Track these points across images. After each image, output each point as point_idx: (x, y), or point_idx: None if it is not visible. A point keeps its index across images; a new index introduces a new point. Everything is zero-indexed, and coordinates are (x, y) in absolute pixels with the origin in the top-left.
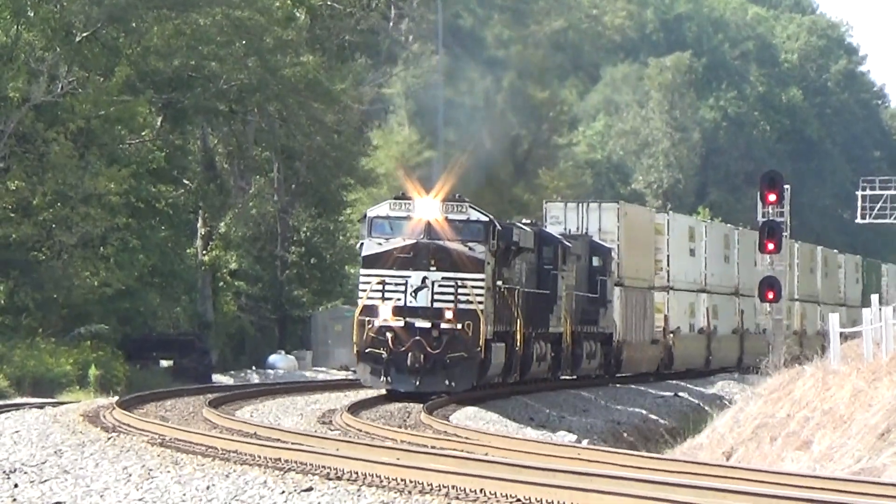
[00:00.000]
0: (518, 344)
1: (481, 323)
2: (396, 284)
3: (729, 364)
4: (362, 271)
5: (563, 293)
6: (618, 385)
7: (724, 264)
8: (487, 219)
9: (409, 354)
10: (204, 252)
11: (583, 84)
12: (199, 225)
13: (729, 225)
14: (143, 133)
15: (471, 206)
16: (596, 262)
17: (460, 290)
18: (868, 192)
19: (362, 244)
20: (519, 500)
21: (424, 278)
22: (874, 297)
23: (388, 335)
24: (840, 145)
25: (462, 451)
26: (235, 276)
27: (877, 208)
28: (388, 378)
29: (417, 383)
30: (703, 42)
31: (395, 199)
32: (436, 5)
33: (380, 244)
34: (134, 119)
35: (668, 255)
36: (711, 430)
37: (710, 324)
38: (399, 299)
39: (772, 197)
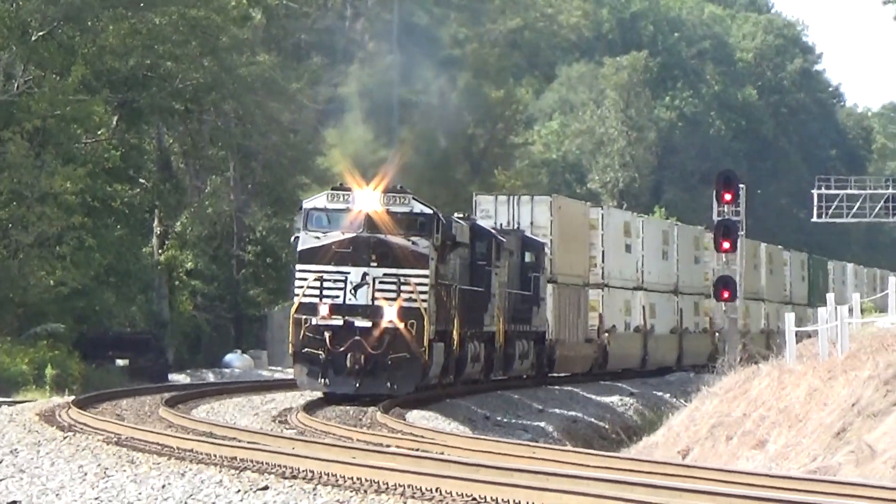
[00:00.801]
0: (455, 344)
1: (425, 322)
2: (335, 281)
3: (668, 364)
4: (298, 267)
5: (497, 290)
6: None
7: (663, 261)
8: (431, 211)
9: (349, 355)
10: (160, 251)
11: (538, 83)
12: (154, 224)
13: (668, 220)
14: (98, 132)
15: (414, 198)
16: (528, 257)
17: (403, 288)
18: (824, 191)
19: (298, 238)
20: (475, 499)
21: (365, 274)
22: (830, 296)
23: (326, 335)
24: (796, 144)
25: (418, 450)
26: (191, 276)
27: (833, 207)
28: (326, 380)
29: (357, 385)
30: (658, 41)
31: (334, 189)
32: (391, 4)
33: (317, 238)
34: (90, 118)
35: (602, 251)
36: (667, 429)
37: (646, 322)
38: (338, 297)
39: (727, 196)
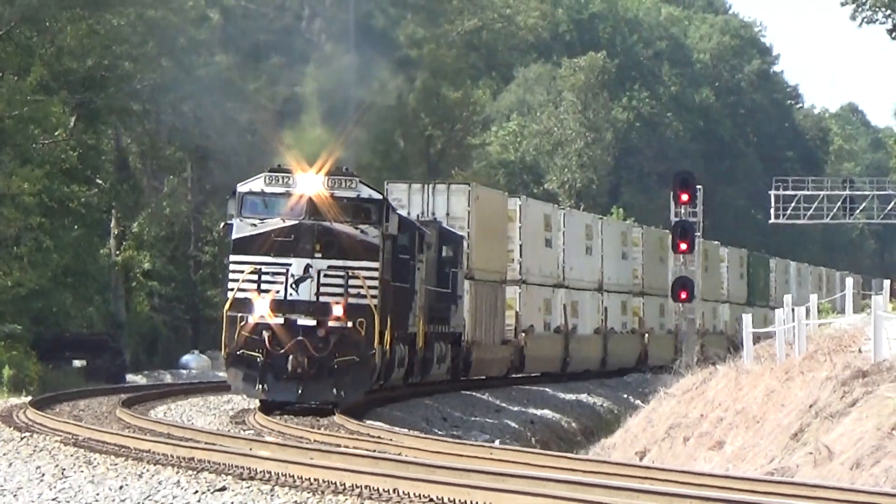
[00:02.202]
0: (386, 346)
1: (376, 320)
2: (274, 274)
3: (591, 367)
4: (232, 258)
5: (419, 287)
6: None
7: (586, 257)
8: (380, 197)
9: (290, 358)
10: (117, 252)
11: (496, 84)
12: (112, 225)
13: (592, 214)
14: (56, 133)
15: (361, 182)
16: (446, 252)
17: (351, 282)
18: (781, 192)
19: (231, 225)
20: (432, 499)
21: (308, 267)
22: (787, 297)
23: (265, 335)
24: (753, 145)
25: (375, 451)
26: (148, 276)
27: (790, 209)
28: (264, 386)
29: (299, 392)
30: (616, 42)
31: (272, 171)
32: (348, 5)
33: (254, 225)
34: (47, 119)
35: (520, 245)
36: (624, 431)
37: (568, 323)
38: (278, 292)
39: (684, 197)
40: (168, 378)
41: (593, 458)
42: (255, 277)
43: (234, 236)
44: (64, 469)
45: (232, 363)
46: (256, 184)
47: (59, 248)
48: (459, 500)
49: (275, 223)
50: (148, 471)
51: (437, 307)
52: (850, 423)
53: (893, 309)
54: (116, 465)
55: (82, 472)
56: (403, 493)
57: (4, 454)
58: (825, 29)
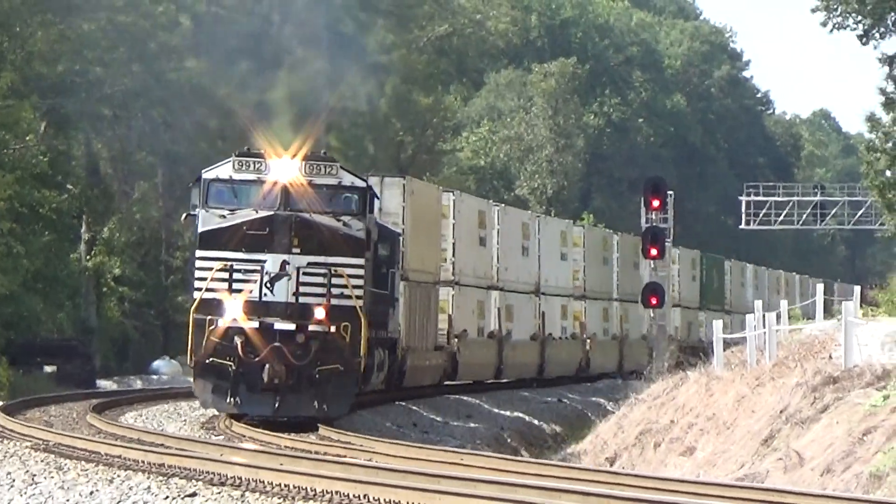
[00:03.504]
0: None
1: (362, 324)
2: (247, 272)
3: (527, 375)
4: (199, 253)
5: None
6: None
7: (522, 257)
8: (364, 184)
9: (266, 367)
10: (87, 257)
11: (467, 90)
12: (82, 230)
13: (529, 212)
14: (27, 138)
15: (342, 168)
16: (383, 250)
17: (335, 281)
18: (752, 198)
19: (195, 216)
20: None
21: (284, 263)
22: (758, 303)
23: (237, 341)
24: (724, 151)
25: (346, 456)
26: (119, 282)
27: (761, 215)
28: (237, 399)
29: (276, 405)
30: (587, 48)
31: (241, 156)
32: (319, 10)
33: (222, 217)
34: (18, 124)
35: (453, 244)
36: (595, 436)
37: (502, 327)
38: (251, 292)
39: (655, 203)
40: (139, 384)
41: (563, 463)
42: (226, 276)
43: (201, 229)
44: (34, 475)
45: (199, 373)
46: (224, 170)
47: (29, 253)
48: None
49: (246, 214)
50: (119, 476)
51: (375, 310)
52: (821, 429)
53: (864, 315)
54: (87, 470)
55: (52, 477)
56: (374, 498)
57: None
58: (796, 35)
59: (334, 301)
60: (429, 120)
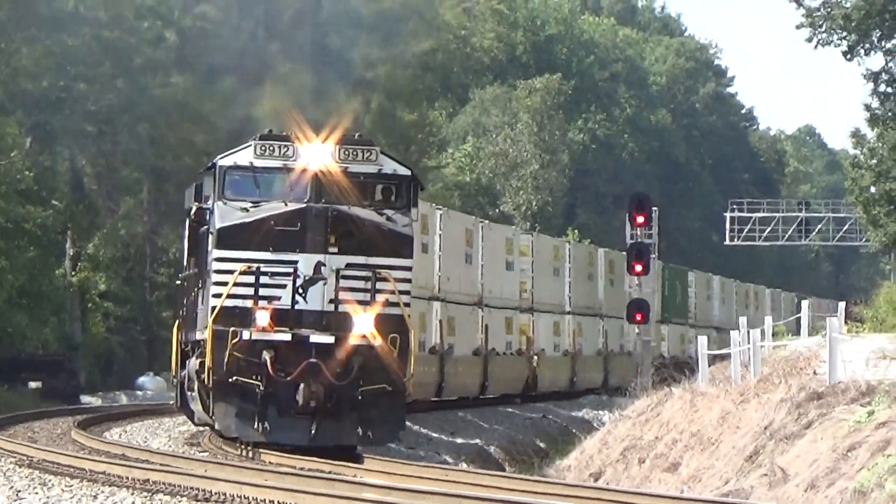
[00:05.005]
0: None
1: (411, 336)
2: (275, 275)
3: (469, 394)
4: (217, 253)
5: None
6: None
7: (465, 266)
8: (409, 172)
9: (301, 387)
10: (72, 273)
11: (451, 106)
12: (67, 246)
13: (472, 217)
14: (11, 154)
15: (383, 153)
16: None
17: (380, 285)
18: (737, 214)
19: (207, 210)
20: None
21: (320, 265)
22: (742, 319)
23: (266, 356)
24: (708, 167)
25: (330, 472)
26: (104, 298)
27: (745, 230)
28: (265, 424)
29: (313, 432)
30: (572, 64)
31: (263, 139)
32: (304, 26)
33: (245, 210)
34: (3, 139)
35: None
36: (580, 452)
37: (444, 341)
38: (280, 298)
39: (640, 219)
40: (123, 399)
41: (548, 479)
42: (251, 279)
43: (217, 225)
44: (19, 491)
45: (220, 394)
46: (243, 155)
47: (14, 268)
48: None
49: (273, 207)
50: (103, 492)
51: None
52: (806, 444)
53: (848, 331)
54: (72, 486)
55: (37, 493)
56: None
57: None
58: (780, 51)
59: (380, 309)
60: (413, 136)
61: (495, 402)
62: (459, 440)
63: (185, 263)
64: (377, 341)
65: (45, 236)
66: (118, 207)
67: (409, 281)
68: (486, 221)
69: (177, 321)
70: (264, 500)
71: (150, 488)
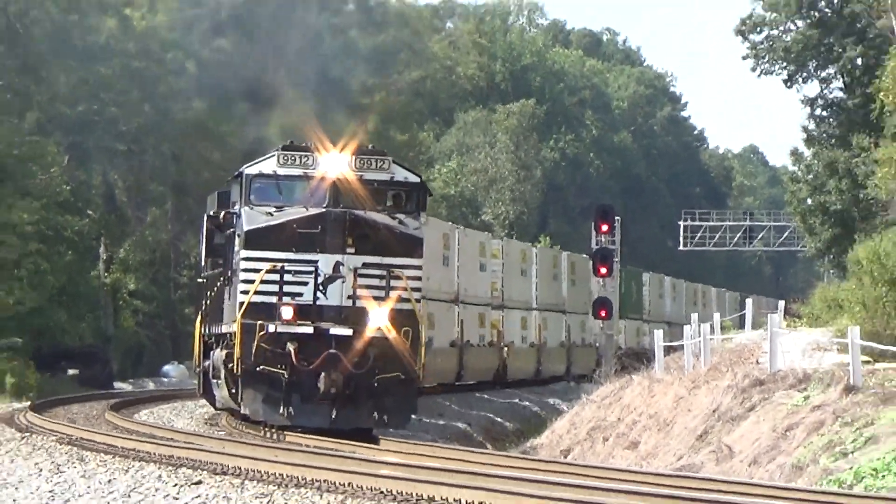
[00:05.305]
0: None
1: (422, 329)
2: (298, 273)
3: (446, 380)
4: (244, 253)
5: None
6: None
7: (443, 268)
8: (419, 180)
9: (322, 376)
10: (105, 274)
11: (439, 127)
12: (101, 251)
13: (450, 224)
14: (51, 170)
15: (395, 162)
16: None
17: (393, 283)
18: (689, 223)
19: (235, 214)
20: (381, 491)
21: (338, 264)
22: (694, 315)
23: (290, 347)
24: (664, 182)
25: (334, 450)
26: (133, 296)
27: (697, 237)
28: (290, 409)
29: (333, 417)
30: (545, 91)
31: (286, 149)
32: (308, 56)
33: (269, 214)
34: (44, 157)
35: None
36: (551, 432)
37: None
38: (301, 295)
39: (604, 227)
40: (151, 385)
41: (523, 455)
42: (276, 277)
43: (246, 227)
44: (59, 465)
45: (248, 382)
46: (267, 164)
47: (54, 271)
48: (406, 492)
49: (295, 212)
50: (133, 466)
51: None
52: (749, 425)
53: (787, 325)
54: (105, 461)
55: (75, 467)
56: (357, 486)
57: (7, 452)
58: (728, 79)
59: (393, 304)
60: (405, 154)
61: (470, 388)
62: (442, 422)
63: (202, 264)
64: (391, 334)
65: (82, 242)
66: (145, 217)
67: (419, 279)
68: (462, 227)
69: (198, 316)
70: (274, 473)
71: (175, 463)
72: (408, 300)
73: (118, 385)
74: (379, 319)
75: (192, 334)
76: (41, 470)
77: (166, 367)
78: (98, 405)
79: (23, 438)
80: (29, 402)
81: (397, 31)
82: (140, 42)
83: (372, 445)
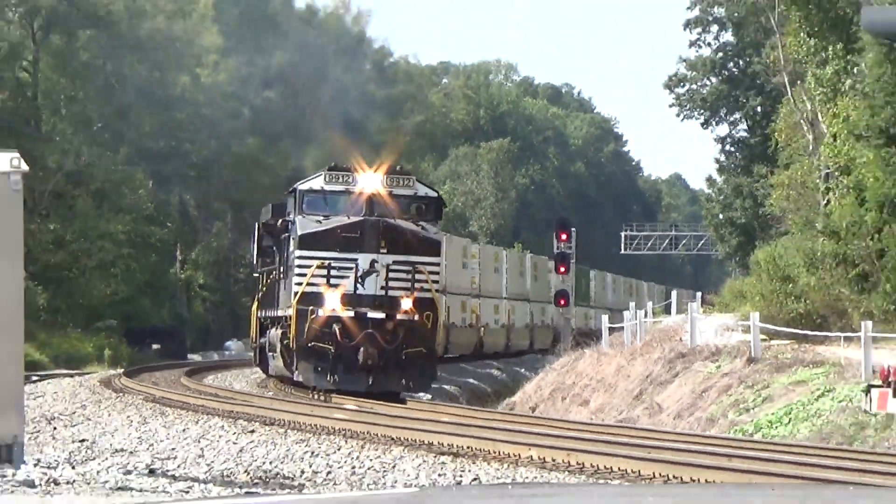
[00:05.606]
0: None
1: (440, 313)
2: (341, 268)
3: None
4: (298, 253)
5: None
6: None
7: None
8: (437, 194)
9: (361, 350)
10: (181, 272)
11: (436, 159)
12: (177, 254)
13: (443, 232)
14: (139, 191)
15: (418, 180)
16: None
17: (417, 276)
18: (628, 232)
19: (290, 221)
20: (392, 438)
21: (373, 262)
22: (631, 303)
23: (336, 328)
24: (609, 201)
25: (357, 407)
26: (202, 288)
27: (634, 244)
28: (335, 377)
29: (370, 383)
30: (518, 131)
31: (331, 170)
32: (336, 103)
33: (318, 222)
34: (133, 182)
35: None
36: (522, 393)
37: None
38: (346, 286)
39: (563, 236)
40: (216, 357)
41: (504, 412)
42: (324, 272)
43: (300, 232)
44: (145, 417)
45: (302, 355)
46: (316, 182)
47: (141, 269)
48: (412, 439)
49: (339, 220)
50: (202, 419)
51: None
52: (674, 388)
53: (703, 311)
54: (181, 415)
55: (157, 419)
56: (373, 433)
57: (105, 408)
58: (658, 121)
59: (417, 294)
60: None
61: (455, 360)
62: (436, 385)
63: (254, 262)
64: (416, 317)
65: (162, 247)
66: (211, 228)
67: (437, 273)
68: (448, 234)
69: (254, 303)
70: (310, 424)
71: (234, 416)
72: (428, 290)
73: (191, 356)
74: (406, 306)
75: (247, 317)
76: (132, 421)
77: (228, 343)
78: (175, 372)
79: (117, 397)
80: (122, 370)
81: (405, 85)
82: (207, 93)
83: (399, 405)
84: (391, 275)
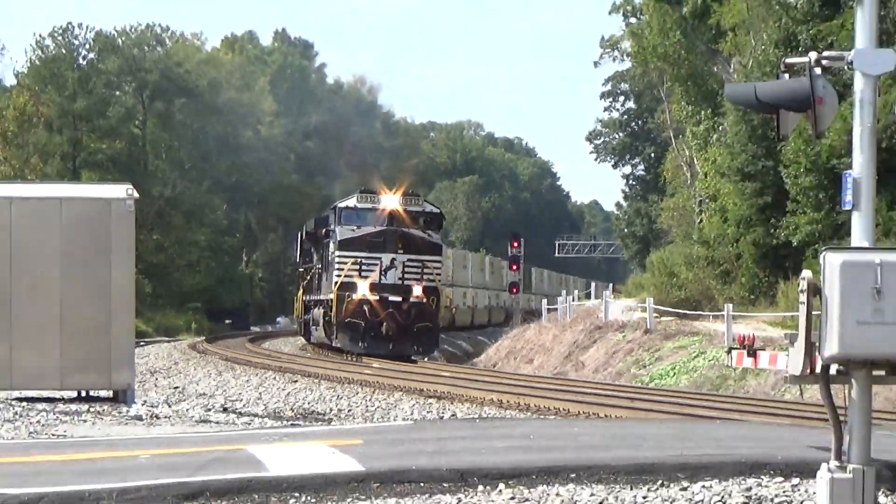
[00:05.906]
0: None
1: (441, 297)
2: (369, 264)
3: None
4: (338, 253)
5: None
6: None
7: None
8: (439, 210)
9: (384, 324)
10: (246, 269)
11: (425, 193)
12: (243, 256)
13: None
14: (216, 212)
15: (425, 200)
16: None
17: (425, 271)
18: (561, 241)
19: (332, 230)
20: (401, 388)
21: (393, 259)
22: (563, 291)
23: (365, 308)
24: (547, 219)
25: (380, 365)
26: (261, 280)
27: (564, 250)
28: (365, 344)
29: (391, 348)
30: (483, 170)
31: (362, 192)
32: (357, 151)
33: (352, 230)
34: (212, 205)
35: None
36: (485, 355)
37: None
38: (373, 277)
39: (515, 244)
40: (269, 328)
41: (472, 367)
42: (357, 267)
43: (339, 238)
44: (220, 371)
45: (341, 329)
46: (351, 201)
47: (218, 266)
48: (409, 386)
49: (368, 229)
50: (260, 373)
51: None
52: (593, 351)
53: (614, 297)
54: (245, 370)
55: (229, 372)
56: (382, 382)
57: (192, 364)
58: (582, 161)
59: (425, 283)
60: None
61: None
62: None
63: (296, 261)
64: (424, 300)
65: (233, 252)
66: (267, 238)
67: (439, 268)
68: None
69: (299, 290)
70: (338, 376)
71: (283, 369)
72: (433, 281)
73: (253, 328)
74: (417, 292)
75: (291, 300)
76: (210, 373)
77: (278, 319)
78: (241, 339)
79: (200, 357)
80: (204, 338)
81: (404, 138)
82: (264, 143)
83: (409, 363)
84: (406, 269)
